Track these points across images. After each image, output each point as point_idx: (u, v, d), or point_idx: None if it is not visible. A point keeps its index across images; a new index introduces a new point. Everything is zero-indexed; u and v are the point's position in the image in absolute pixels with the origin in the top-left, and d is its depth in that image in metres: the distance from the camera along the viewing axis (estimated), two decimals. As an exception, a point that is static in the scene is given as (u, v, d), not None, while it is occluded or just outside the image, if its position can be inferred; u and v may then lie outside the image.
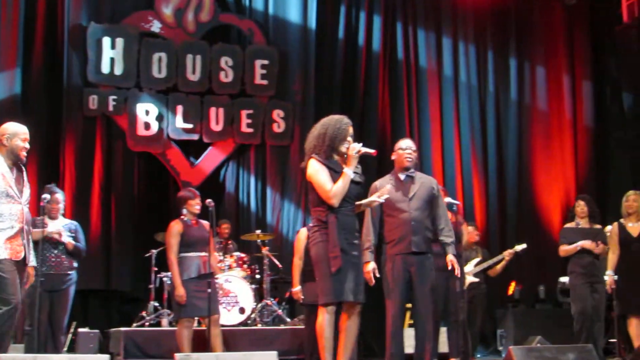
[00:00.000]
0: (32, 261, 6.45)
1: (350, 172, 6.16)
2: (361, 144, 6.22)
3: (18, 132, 6.37)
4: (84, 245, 8.69)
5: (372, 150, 6.33)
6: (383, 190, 6.57)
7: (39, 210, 8.31)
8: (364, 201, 6.46)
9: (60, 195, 8.61)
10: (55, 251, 8.38)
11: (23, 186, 6.37)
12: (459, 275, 7.30)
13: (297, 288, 8.80)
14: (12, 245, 6.18)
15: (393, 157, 7.45)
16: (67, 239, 8.43)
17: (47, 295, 8.23)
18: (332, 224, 6.11)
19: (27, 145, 6.41)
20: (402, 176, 7.36)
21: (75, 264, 8.61)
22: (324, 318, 6.11)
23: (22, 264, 6.30)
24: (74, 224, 8.70)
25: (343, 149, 6.24)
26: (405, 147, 7.43)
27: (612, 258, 9.02)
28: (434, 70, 13.64)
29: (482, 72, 13.88)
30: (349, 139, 6.28)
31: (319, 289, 6.18)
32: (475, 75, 13.83)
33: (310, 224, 6.40)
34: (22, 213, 6.28)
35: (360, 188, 6.36)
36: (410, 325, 9.09)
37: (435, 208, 7.28)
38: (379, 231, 7.19)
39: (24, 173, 6.46)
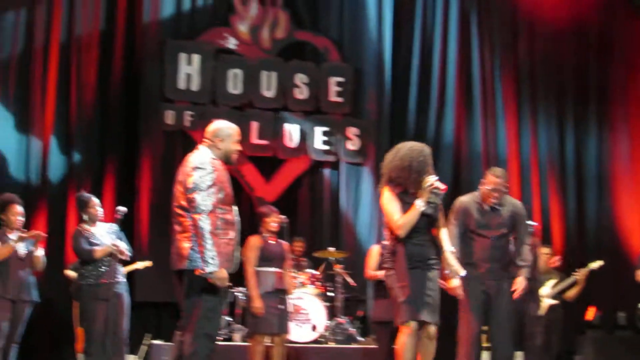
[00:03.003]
0: None
1: (421, 203, 6.06)
2: (436, 178, 6.13)
3: (232, 134, 5.85)
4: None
5: (443, 186, 6.19)
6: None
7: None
8: (453, 264, 6.31)
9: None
10: (108, 258, 8.23)
11: None
12: (516, 297, 7.11)
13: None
14: (235, 257, 5.72)
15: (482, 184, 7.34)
16: (124, 246, 8.38)
17: (105, 305, 8.17)
18: (399, 255, 6.10)
19: (240, 147, 5.94)
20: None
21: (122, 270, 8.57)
22: (403, 339, 6.06)
23: None
24: (114, 226, 8.58)
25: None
26: (492, 188, 7.23)
27: None
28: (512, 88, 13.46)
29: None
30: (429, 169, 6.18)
31: (395, 312, 6.16)
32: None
33: (385, 248, 6.41)
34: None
35: (432, 220, 6.21)
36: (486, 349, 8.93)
37: (517, 232, 7.22)
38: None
39: None
